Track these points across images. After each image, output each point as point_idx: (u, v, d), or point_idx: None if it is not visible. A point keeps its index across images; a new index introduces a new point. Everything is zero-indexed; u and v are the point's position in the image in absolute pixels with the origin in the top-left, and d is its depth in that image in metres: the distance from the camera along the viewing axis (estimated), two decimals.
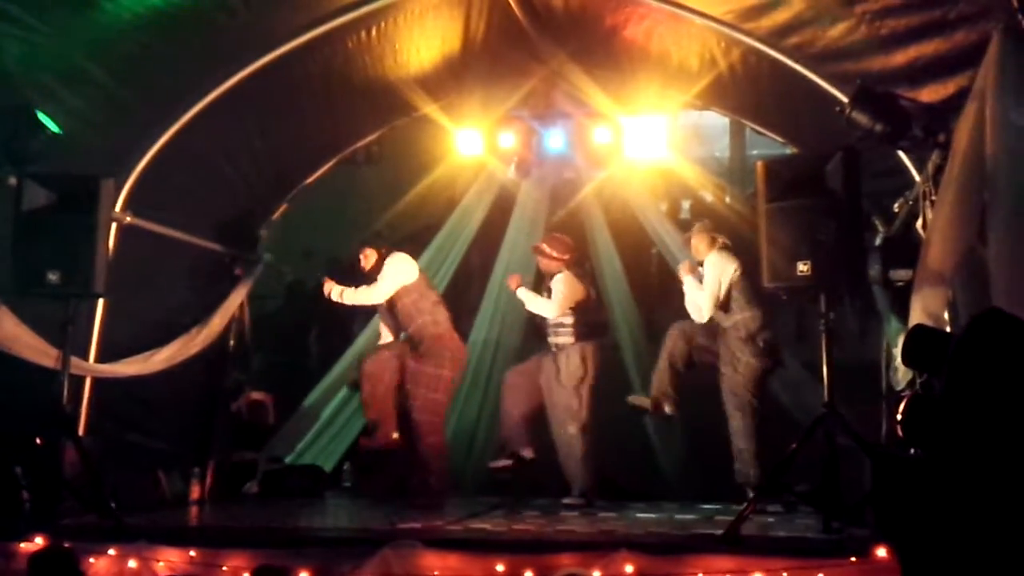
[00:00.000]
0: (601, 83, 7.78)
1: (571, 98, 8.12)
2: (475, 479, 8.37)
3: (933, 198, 5.27)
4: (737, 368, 6.60)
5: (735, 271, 6.70)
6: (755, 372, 6.59)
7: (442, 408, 7.28)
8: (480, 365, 8.67)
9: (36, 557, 4.59)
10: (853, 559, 4.64)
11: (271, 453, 8.31)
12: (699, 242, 6.93)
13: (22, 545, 5.17)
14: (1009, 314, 3.17)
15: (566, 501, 7.05)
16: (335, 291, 7.36)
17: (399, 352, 7.26)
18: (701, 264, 6.88)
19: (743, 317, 6.63)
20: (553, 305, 7.23)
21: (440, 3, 7.06)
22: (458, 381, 7.62)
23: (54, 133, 6.03)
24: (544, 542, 5.30)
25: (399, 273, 7.22)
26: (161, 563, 5.13)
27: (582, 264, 7.64)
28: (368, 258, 7.35)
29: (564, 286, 7.27)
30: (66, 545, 4.95)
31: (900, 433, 3.73)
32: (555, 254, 7.38)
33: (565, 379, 7.17)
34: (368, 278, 7.31)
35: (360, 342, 8.63)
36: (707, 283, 6.71)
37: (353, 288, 7.32)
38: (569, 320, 7.29)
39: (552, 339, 7.35)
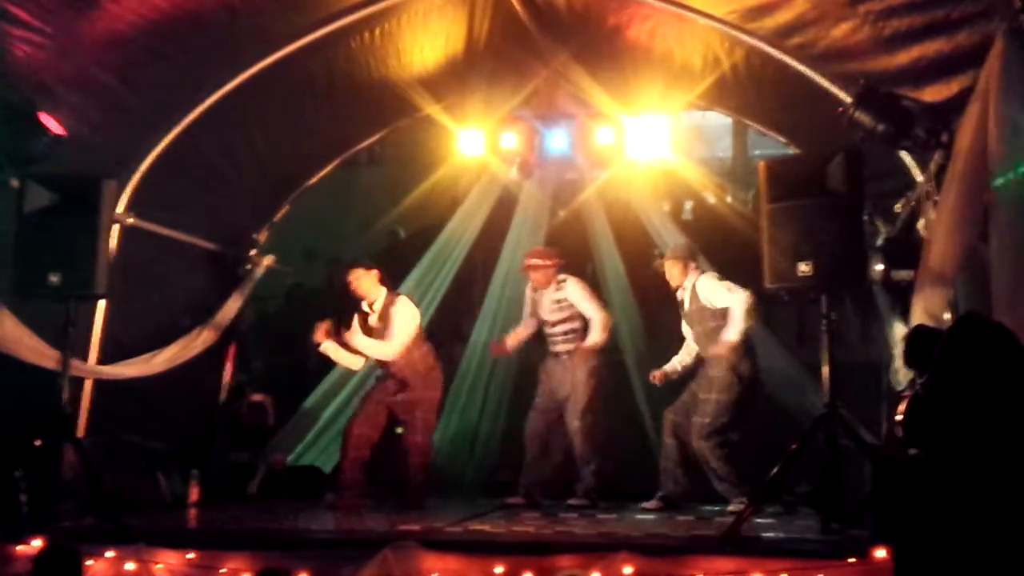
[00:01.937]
0: (604, 83, 7.77)
1: (574, 98, 8.12)
2: (475, 480, 8.36)
3: (935, 198, 5.26)
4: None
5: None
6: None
7: (433, 429, 7.38)
8: (481, 366, 8.67)
9: (41, 556, 4.57)
10: (853, 560, 4.61)
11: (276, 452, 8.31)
12: (673, 267, 6.95)
13: (20, 547, 5.16)
14: (987, 319, 3.18)
15: (571, 502, 7.08)
16: (331, 348, 7.05)
17: (382, 398, 7.15)
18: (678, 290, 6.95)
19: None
20: (597, 310, 7.27)
21: (444, 4, 7.07)
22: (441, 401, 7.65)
23: (57, 134, 6.02)
24: (543, 543, 5.26)
25: (410, 321, 7.12)
26: (160, 565, 5.10)
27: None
28: (359, 281, 7.08)
29: (584, 288, 7.35)
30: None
31: (900, 433, 3.72)
32: (550, 261, 7.36)
33: (586, 383, 7.16)
34: (358, 302, 7.17)
35: None
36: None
37: (366, 340, 7.03)
38: (578, 325, 7.31)
39: (562, 347, 7.30)
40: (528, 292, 7.54)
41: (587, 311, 7.29)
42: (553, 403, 7.27)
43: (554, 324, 7.33)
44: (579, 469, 7.20)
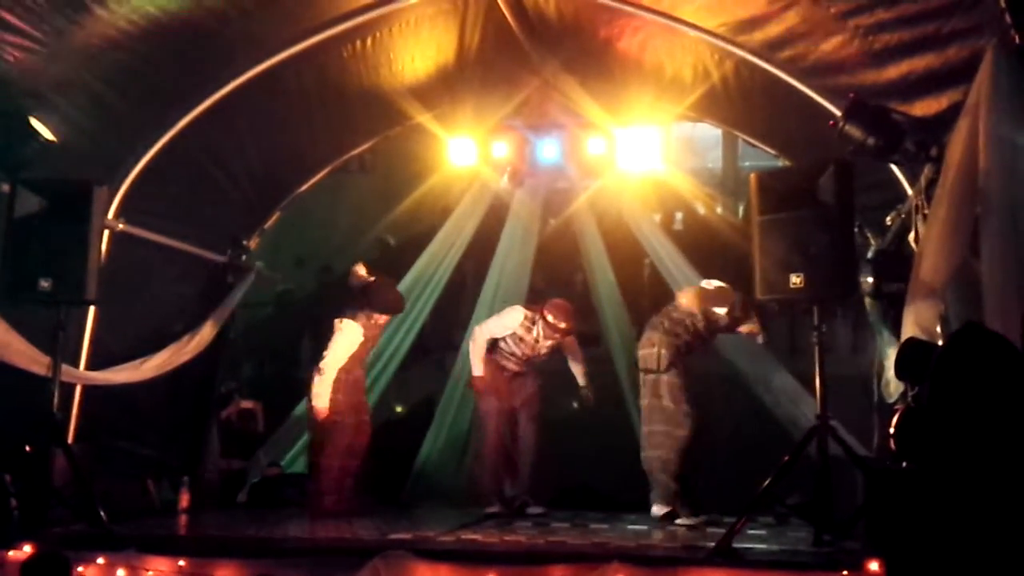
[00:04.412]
0: (594, 94, 7.80)
1: (565, 108, 8.13)
2: (466, 489, 8.34)
3: (926, 212, 5.29)
4: None
5: None
6: None
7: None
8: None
9: (29, 563, 4.54)
10: (845, 573, 4.63)
11: (268, 459, 8.29)
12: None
13: (11, 553, 5.14)
14: (987, 328, 3.19)
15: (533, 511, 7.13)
16: None
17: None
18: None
19: None
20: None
21: (435, 13, 7.08)
22: None
23: (47, 140, 6.01)
24: (536, 553, 5.28)
25: None
26: (150, 572, 5.10)
27: None
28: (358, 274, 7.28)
29: None
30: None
31: (892, 446, 3.74)
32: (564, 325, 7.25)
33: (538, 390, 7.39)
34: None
35: None
36: None
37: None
38: None
39: (525, 367, 7.37)
40: (524, 332, 7.23)
41: None
42: (507, 412, 7.30)
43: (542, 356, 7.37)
44: (523, 470, 7.24)
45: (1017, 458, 2.88)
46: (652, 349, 6.92)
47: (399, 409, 8.63)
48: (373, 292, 7.12)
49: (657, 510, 6.77)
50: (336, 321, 7.06)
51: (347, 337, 7.02)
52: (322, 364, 6.97)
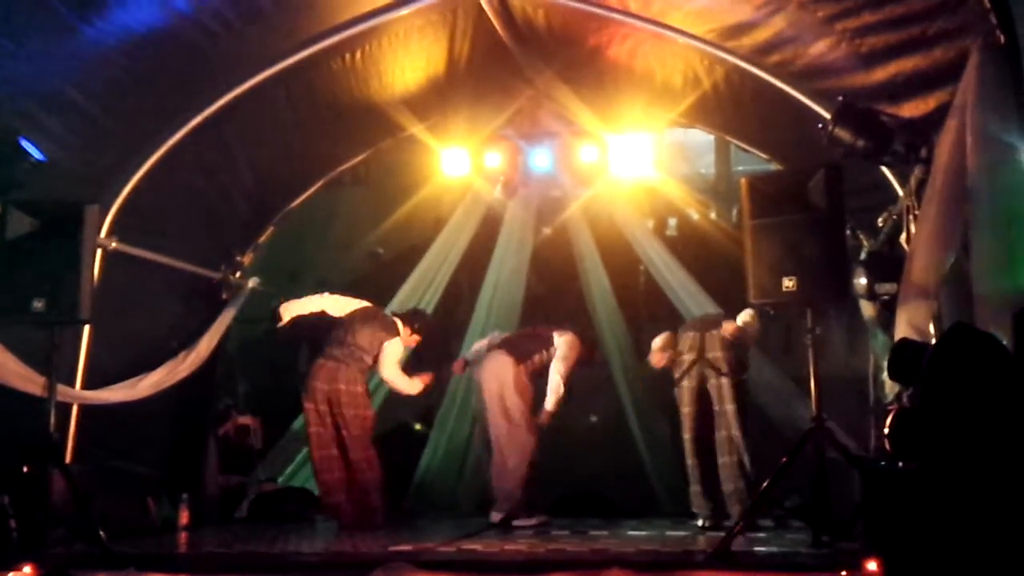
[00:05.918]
0: (586, 102, 7.83)
1: (557, 117, 8.18)
2: (466, 499, 8.35)
3: (916, 212, 5.31)
4: None
5: None
6: None
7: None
8: (470, 385, 8.65)
9: None
10: (844, 573, 4.63)
11: (266, 475, 8.29)
12: None
13: (11, 575, 5.12)
14: (977, 328, 3.21)
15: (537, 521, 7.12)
16: None
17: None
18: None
19: None
20: None
21: (424, 25, 7.10)
22: None
23: (38, 160, 6.00)
24: (536, 561, 5.27)
25: None
26: None
27: None
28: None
29: None
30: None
31: (888, 446, 3.75)
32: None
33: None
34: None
35: None
36: None
37: None
38: None
39: None
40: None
41: None
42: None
43: None
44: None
45: (1010, 455, 2.90)
46: (727, 352, 6.79)
47: (418, 427, 8.84)
48: (429, 325, 7.62)
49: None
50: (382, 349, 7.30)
51: (393, 347, 7.34)
52: (386, 376, 7.37)
